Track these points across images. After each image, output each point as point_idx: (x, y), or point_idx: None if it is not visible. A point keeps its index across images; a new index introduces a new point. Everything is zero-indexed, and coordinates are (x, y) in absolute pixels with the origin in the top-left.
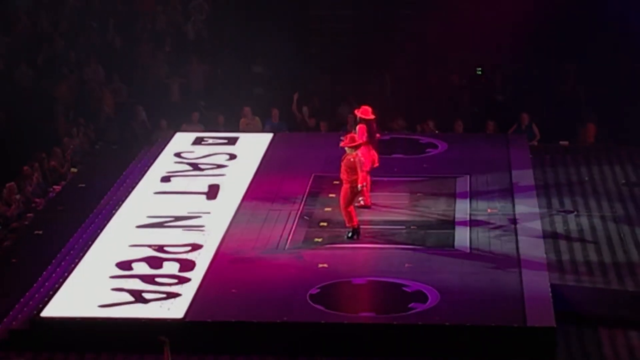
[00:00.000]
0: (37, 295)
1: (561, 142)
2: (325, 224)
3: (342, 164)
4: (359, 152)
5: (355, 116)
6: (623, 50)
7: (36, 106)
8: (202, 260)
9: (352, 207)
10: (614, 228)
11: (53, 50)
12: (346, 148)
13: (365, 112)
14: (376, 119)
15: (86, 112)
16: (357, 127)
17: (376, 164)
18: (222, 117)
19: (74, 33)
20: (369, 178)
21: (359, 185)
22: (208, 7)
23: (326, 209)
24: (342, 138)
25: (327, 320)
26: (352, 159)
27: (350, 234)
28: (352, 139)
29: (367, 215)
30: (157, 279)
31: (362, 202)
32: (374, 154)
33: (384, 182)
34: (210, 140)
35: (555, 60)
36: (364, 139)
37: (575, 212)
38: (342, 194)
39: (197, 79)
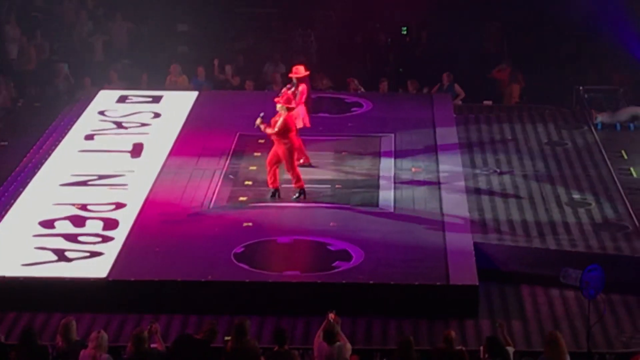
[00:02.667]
0: None
1: (485, 102)
2: (250, 182)
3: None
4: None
5: (292, 80)
6: (547, 9)
7: None
8: (126, 219)
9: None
10: (536, 187)
11: None
12: (278, 106)
13: (297, 71)
14: (309, 75)
15: (7, 69)
16: (300, 88)
17: (307, 125)
18: (145, 74)
19: None
20: (299, 138)
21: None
22: None
23: (251, 168)
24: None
25: (251, 279)
26: (279, 119)
27: (298, 194)
28: (289, 100)
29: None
30: (81, 238)
31: (301, 162)
32: (305, 113)
33: (309, 141)
34: (135, 99)
35: (479, 19)
36: (303, 99)
37: (498, 171)
38: (283, 156)
39: (121, 36)
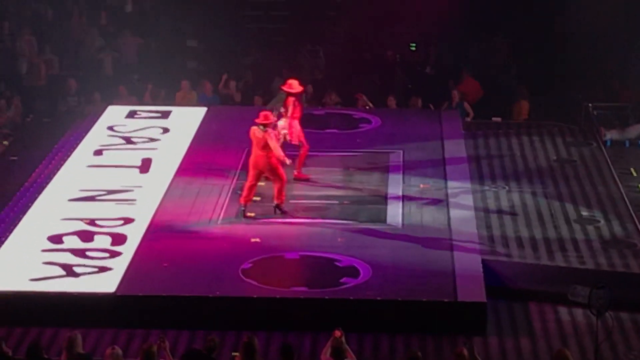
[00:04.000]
0: None
1: (494, 119)
2: (258, 198)
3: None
4: (273, 129)
5: (283, 92)
6: (555, 25)
7: None
8: (134, 234)
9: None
10: (544, 204)
11: None
12: (260, 126)
13: (290, 85)
14: (304, 91)
15: (17, 84)
16: (285, 101)
17: (296, 141)
18: (163, 91)
19: (5, 4)
20: (306, 151)
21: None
22: None
23: (259, 184)
24: (275, 112)
25: (259, 295)
26: (260, 136)
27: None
28: (266, 117)
29: (300, 190)
30: (89, 253)
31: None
32: (299, 129)
33: (317, 157)
34: (144, 114)
35: (487, 35)
36: (289, 113)
37: (507, 188)
38: (267, 168)
39: (130, 52)
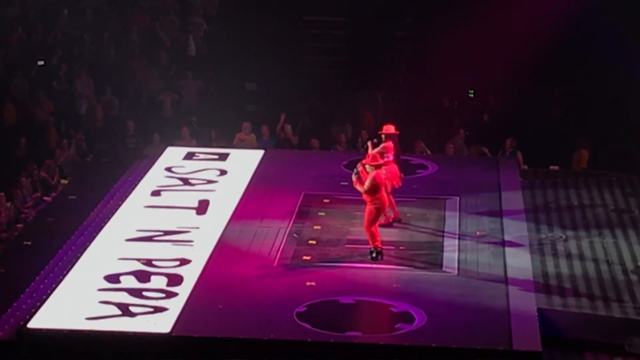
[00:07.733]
0: (24, 306)
1: (551, 167)
2: (314, 242)
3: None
4: (381, 170)
5: (380, 135)
6: (615, 75)
7: (29, 117)
8: (190, 275)
9: (376, 227)
10: (602, 254)
11: (47, 62)
12: (366, 166)
13: (388, 128)
14: (400, 135)
15: (78, 125)
16: (384, 145)
17: (398, 184)
18: (214, 131)
19: (68, 45)
20: (391, 197)
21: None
22: (206, 24)
23: (315, 227)
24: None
25: (313, 339)
26: (371, 177)
27: (374, 255)
28: (374, 158)
29: (355, 235)
30: (145, 293)
31: (391, 217)
32: (396, 172)
33: None
34: (202, 156)
35: (547, 84)
36: (390, 156)
37: (564, 237)
38: (366, 213)
39: (190, 94)
